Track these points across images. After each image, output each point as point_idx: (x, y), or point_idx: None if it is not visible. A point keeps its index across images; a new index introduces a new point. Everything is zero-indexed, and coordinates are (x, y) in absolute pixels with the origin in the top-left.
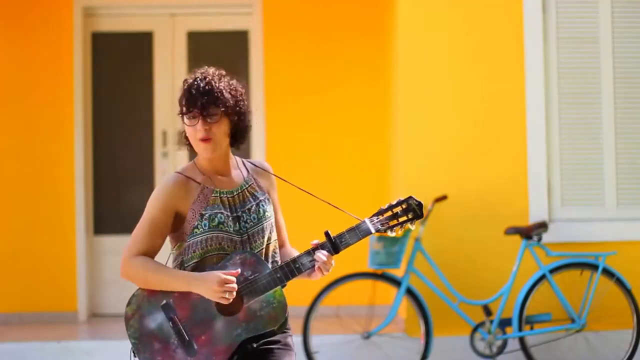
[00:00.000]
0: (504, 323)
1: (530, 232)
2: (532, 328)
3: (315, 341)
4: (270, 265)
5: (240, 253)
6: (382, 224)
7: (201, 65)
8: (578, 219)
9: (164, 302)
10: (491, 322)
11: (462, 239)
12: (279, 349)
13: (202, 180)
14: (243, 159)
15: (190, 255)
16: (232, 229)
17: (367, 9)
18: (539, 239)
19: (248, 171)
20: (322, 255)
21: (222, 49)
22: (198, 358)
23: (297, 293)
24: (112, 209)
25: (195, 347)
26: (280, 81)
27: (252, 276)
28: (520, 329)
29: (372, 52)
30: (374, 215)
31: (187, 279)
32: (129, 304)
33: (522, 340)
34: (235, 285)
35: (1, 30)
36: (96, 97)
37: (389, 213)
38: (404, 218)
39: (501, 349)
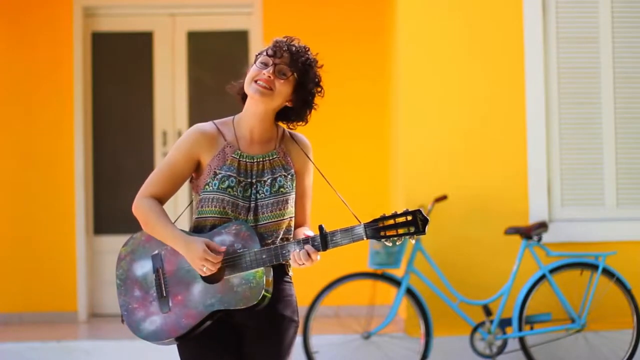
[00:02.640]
0: (504, 323)
1: (530, 232)
2: (532, 328)
3: (315, 341)
4: (262, 243)
5: (238, 223)
6: (378, 232)
7: (201, 65)
8: (578, 219)
9: (156, 252)
10: (491, 322)
11: (462, 239)
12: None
13: (230, 139)
14: (288, 131)
15: (199, 210)
16: (240, 195)
17: (367, 10)
18: (539, 239)
19: (283, 144)
20: (307, 249)
21: (222, 49)
22: (169, 315)
23: (297, 293)
24: (112, 209)
25: (170, 304)
26: None
27: (241, 250)
28: (520, 329)
29: (372, 53)
30: (373, 221)
31: (176, 237)
32: (125, 244)
33: (522, 340)
34: (215, 262)
35: (1, 30)
36: (96, 97)
37: (391, 222)
38: (404, 230)
39: (501, 349)
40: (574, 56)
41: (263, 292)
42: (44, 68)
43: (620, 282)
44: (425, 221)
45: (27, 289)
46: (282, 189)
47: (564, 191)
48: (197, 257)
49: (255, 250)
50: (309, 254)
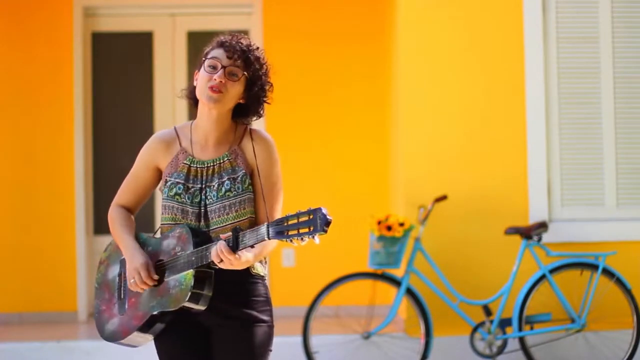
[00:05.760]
0: (504, 323)
1: (530, 232)
2: (532, 328)
3: (315, 341)
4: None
5: (182, 227)
6: (282, 232)
7: None
8: (578, 219)
9: (123, 257)
10: (491, 322)
11: (462, 239)
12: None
13: (185, 144)
14: (250, 128)
15: (161, 217)
16: (189, 201)
17: (367, 10)
18: (539, 239)
19: (241, 144)
20: (217, 247)
21: None
22: (124, 317)
23: (297, 293)
24: None
25: (126, 306)
26: (279, 81)
27: (180, 252)
28: (520, 329)
29: (372, 53)
30: (277, 221)
31: (126, 245)
32: (105, 250)
33: (522, 340)
34: (145, 281)
35: (1, 31)
36: (96, 97)
37: (294, 221)
38: (305, 230)
39: (501, 349)
40: (573, 56)
41: (189, 293)
42: (44, 68)
43: (620, 282)
44: (324, 220)
45: (27, 289)
46: (228, 193)
47: (564, 191)
48: (132, 268)
49: (188, 252)
50: (221, 253)
